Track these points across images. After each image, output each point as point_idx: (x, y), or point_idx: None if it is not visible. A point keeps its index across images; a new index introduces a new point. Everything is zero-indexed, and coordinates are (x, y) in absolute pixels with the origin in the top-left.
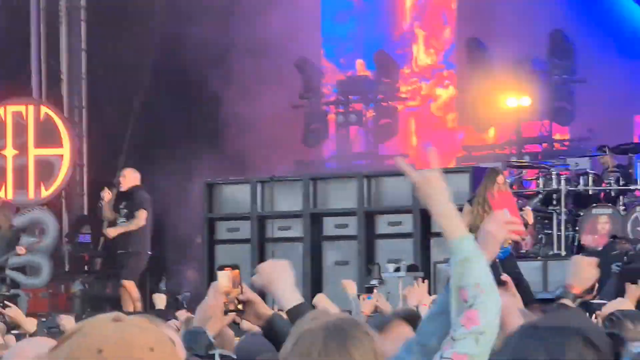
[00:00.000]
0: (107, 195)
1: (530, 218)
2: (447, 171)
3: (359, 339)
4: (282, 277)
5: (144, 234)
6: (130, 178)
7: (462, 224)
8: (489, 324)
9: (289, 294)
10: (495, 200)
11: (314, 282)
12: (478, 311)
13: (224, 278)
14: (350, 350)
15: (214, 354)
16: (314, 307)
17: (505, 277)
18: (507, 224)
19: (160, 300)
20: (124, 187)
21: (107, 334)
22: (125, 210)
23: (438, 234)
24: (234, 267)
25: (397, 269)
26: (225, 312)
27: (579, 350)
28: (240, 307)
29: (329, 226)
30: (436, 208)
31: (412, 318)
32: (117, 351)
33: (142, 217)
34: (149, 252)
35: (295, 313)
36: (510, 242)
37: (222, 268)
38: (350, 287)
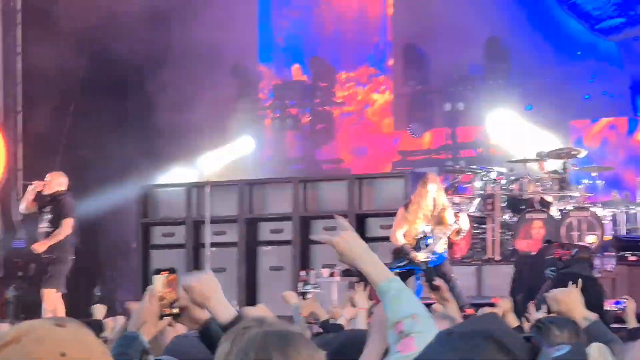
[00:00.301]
0: (38, 186)
1: (465, 223)
2: (383, 176)
3: (300, 345)
4: (212, 292)
5: (69, 240)
6: (55, 182)
7: (385, 268)
8: None
9: (224, 309)
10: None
11: (248, 287)
12: (414, 338)
13: (159, 282)
14: (291, 356)
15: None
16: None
17: (439, 282)
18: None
19: (99, 311)
20: (47, 190)
21: (65, 337)
22: (49, 216)
23: (373, 239)
24: (171, 270)
25: (332, 274)
26: (161, 317)
27: (492, 355)
28: (175, 311)
29: (264, 231)
30: (361, 262)
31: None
32: (80, 353)
33: (68, 226)
34: (72, 257)
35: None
36: (445, 247)
37: (158, 272)
38: (291, 297)
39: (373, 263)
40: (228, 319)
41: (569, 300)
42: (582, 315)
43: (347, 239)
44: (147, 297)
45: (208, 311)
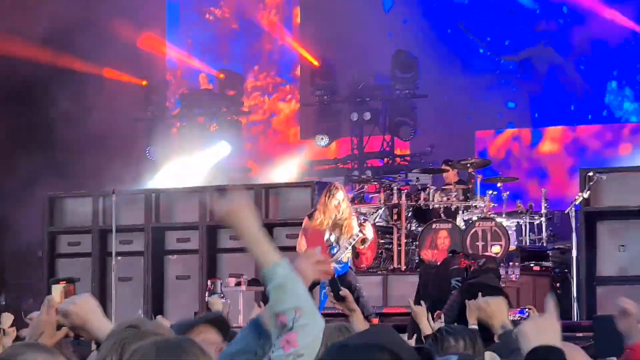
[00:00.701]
0: None
1: (370, 233)
2: (289, 185)
3: (191, 351)
4: (90, 314)
5: None
6: None
7: (274, 250)
8: (308, 346)
9: (104, 327)
10: (309, 237)
11: (155, 296)
12: (297, 334)
13: (58, 292)
14: None
15: None
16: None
17: (344, 292)
18: (317, 263)
19: (5, 320)
20: None
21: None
22: None
23: (280, 249)
24: (70, 280)
25: (238, 284)
26: (59, 327)
27: None
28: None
29: (171, 240)
30: (247, 237)
31: (219, 323)
32: None
33: None
34: None
35: None
36: (350, 256)
37: (57, 281)
38: (216, 303)
39: (259, 243)
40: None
41: (491, 308)
42: (500, 323)
43: (240, 213)
44: (44, 308)
45: (87, 333)
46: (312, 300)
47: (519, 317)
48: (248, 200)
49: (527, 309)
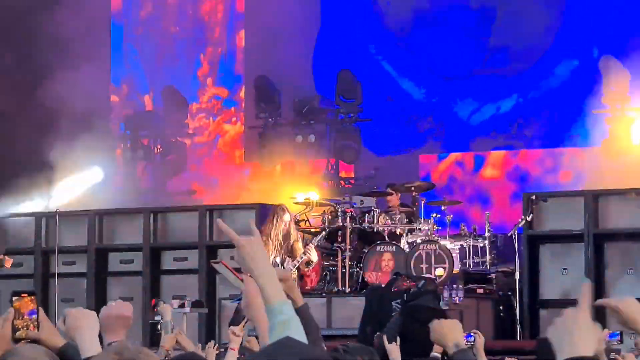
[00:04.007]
0: None
1: (314, 255)
2: (233, 207)
3: None
4: (88, 326)
5: None
6: None
7: (280, 289)
8: None
9: (89, 345)
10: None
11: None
12: None
13: (17, 304)
14: None
15: None
16: None
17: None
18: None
19: None
20: None
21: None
22: None
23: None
24: (30, 293)
25: (182, 305)
26: (16, 341)
27: None
28: (32, 334)
29: (114, 261)
30: (258, 271)
31: None
32: None
33: None
34: None
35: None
36: (294, 277)
37: (17, 294)
38: (167, 310)
39: (270, 279)
40: (89, 355)
41: (444, 329)
42: (453, 342)
43: (254, 245)
44: (0, 321)
45: (75, 341)
46: (305, 338)
47: (465, 341)
48: (258, 233)
49: (472, 333)
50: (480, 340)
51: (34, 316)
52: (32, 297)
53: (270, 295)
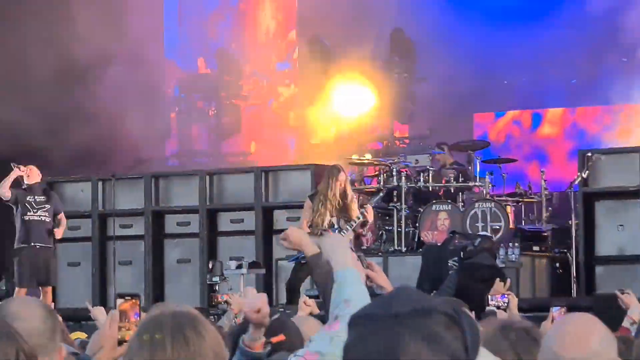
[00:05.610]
0: (21, 172)
1: (370, 215)
2: (288, 168)
3: (207, 323)
4: (306, 238)
5: None
6: (36, 172)
7: (349, 259)
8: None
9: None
10: None
11: (155, 280)
12: (339, 322)
13: (122, 307)
14: (202, 333)
15: None
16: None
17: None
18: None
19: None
20: (31, 180)
21: None
22: (47, 206)
23: (280, 231)
24: (134, 296)
25: (239, 266)
26: (120, 343)
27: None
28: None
29: (171, 224)
30: (332, 252)
31: None
32: None
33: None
34: None
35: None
36: (350, 238)
37: (122, 296)
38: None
39: (341, 255)
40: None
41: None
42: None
43: (334, 239)
44: (107, 322)
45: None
46: (367, 298)
47: (501, 301)
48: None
49: (506, 294)
50: (514, 300)
51: (138, 318)
52: (136, 300)
53: (334, 267)
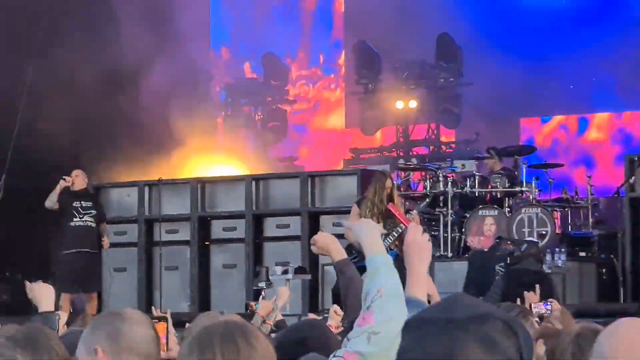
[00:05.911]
0: (68, 182)
1: (417, 220)
2: (335, 174)
3: (259, 334)
4: (333, 244)
5: None
6: (82, 178)
7: (381, 244)
8: (385, 325)
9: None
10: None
11: (201, 286)
12: (373, 312)
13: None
14: (253, 342)
15: None
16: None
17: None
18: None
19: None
20: (78, 186)
21: None
22: (93, 212)
23: None
24: (161, 319)
25: (285, 272)
26: None
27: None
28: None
29: (217, 229)
30: (363, 237)
31: None
32: None
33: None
34: None
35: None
36: (396, 244)
37: (154, 319)
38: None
39: (371, 239)
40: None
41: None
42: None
43: (364, 223)
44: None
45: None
46: (400, 288)
47: (544, 309)
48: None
49: (549, 301)
50: (557, 307)
51: (166, 340)
52: (164, 323)
53: (368, 248)
